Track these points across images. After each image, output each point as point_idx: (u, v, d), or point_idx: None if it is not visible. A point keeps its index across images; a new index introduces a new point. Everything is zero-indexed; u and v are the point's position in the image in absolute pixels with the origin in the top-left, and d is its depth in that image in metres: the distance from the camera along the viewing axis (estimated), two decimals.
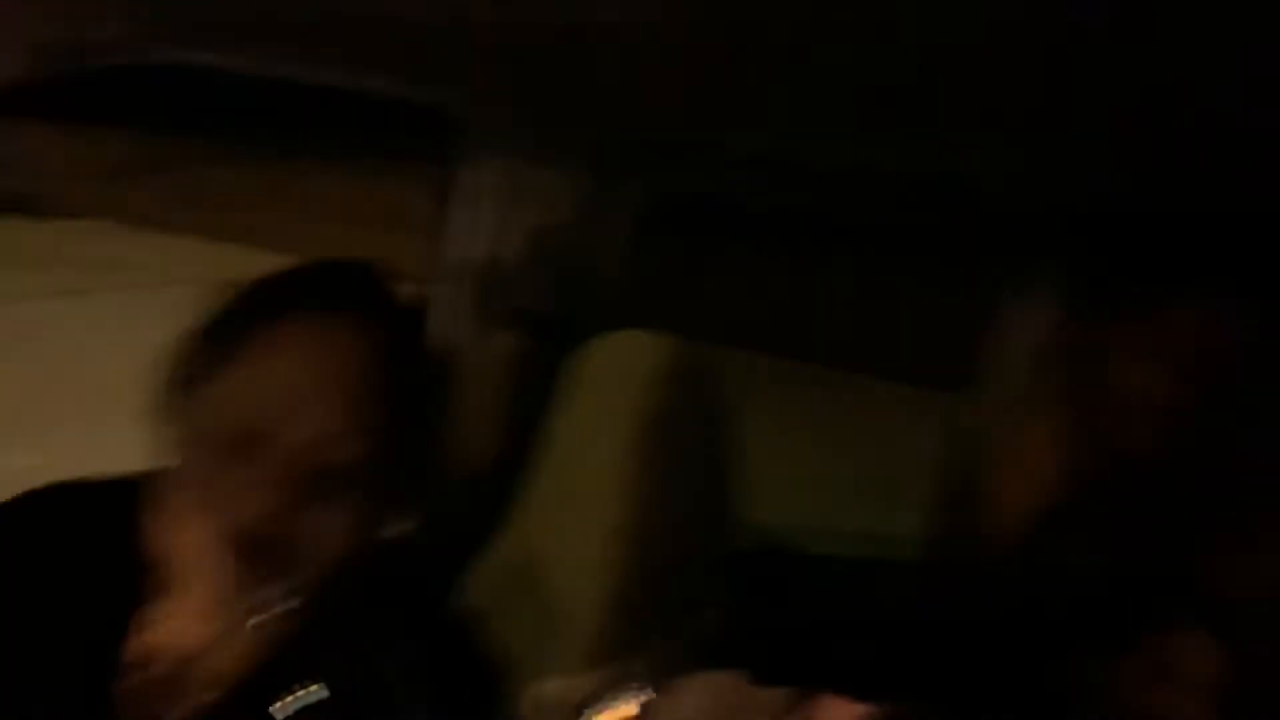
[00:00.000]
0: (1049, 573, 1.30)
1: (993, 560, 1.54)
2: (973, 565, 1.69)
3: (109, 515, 0.87)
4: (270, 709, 0.60)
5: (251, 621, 0.74)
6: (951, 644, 1.37)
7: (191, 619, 0.80)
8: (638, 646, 0.82)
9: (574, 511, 1.05)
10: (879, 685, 1.29)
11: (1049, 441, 1.32)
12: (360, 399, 0.82)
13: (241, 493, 0.79)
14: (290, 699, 0.60)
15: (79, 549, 0.87)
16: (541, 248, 1.34)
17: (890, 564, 1.87)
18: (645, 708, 0.67)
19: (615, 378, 1.06)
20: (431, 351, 0.95)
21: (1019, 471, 1.37)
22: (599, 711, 0.66)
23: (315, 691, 0.59)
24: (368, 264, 0.92)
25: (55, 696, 0.76)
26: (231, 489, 0.80)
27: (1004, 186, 1.35)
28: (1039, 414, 1.42)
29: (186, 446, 0.84)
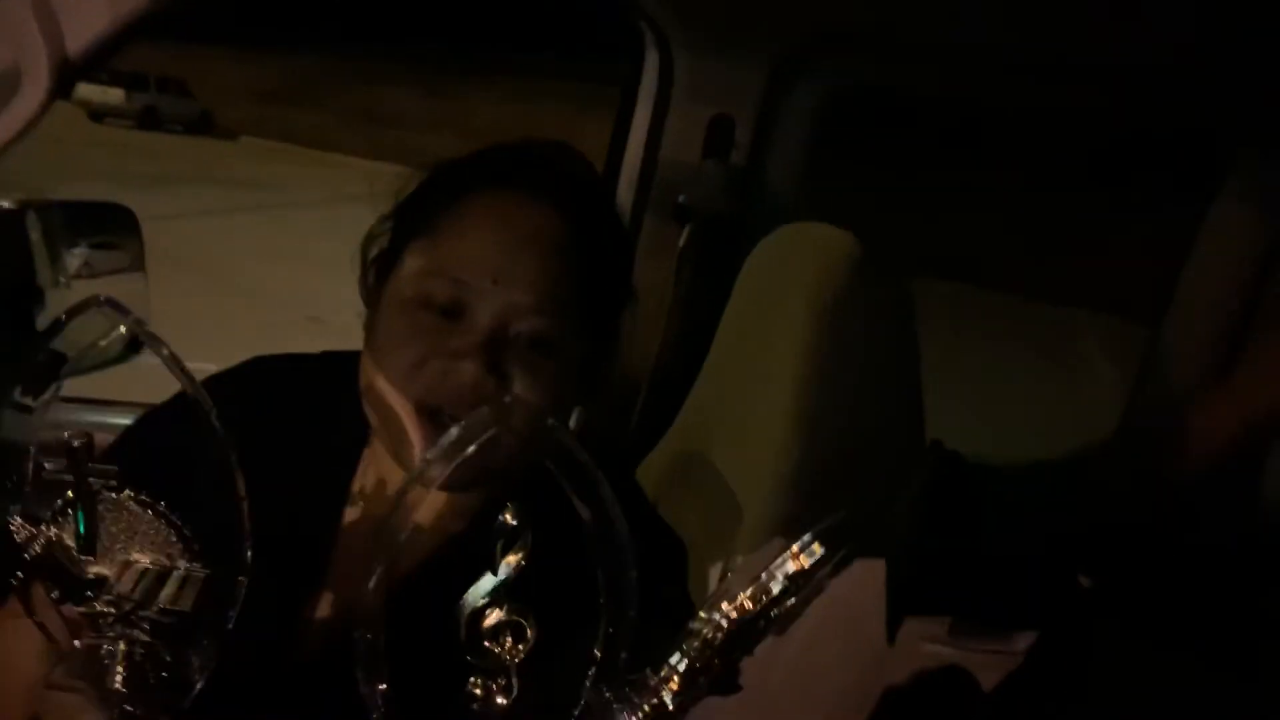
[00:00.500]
0: (1261, 504, 1.23)
1: (1190, 491, 1.47)
2: (1162, 496, 1.62)
3: (330, 379, 0.91)
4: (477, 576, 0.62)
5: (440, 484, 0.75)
6: (1140, 571, 1.32)
7: (397, 481, 0.85)
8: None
9: (751, 400, 1.05)
10: (1067, 605, 1.26)
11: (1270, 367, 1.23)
12: (551, 275, 0.83)
13: (435, 363, 0.81)
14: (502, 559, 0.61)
15: (306, 403, 0.92)
16: (719, 146, 1.33)
17: (1073, 492, 1.81)
18: (815, 565, 0.66)
19: (795, 267, 1.04)
20: (621, 236, 0.95)
21: (1233, 399, 1.29)
22: (774, 567, 0.65)
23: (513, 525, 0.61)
24: (563, 145, 0.91)
25: (291, 519, 0.80)
26: (426, 359, 0.81)
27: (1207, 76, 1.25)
28: (1257, 340, 1.33)
29: (386, 319, 0.85)
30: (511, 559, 0.61)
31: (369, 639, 0.61)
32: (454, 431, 0.63)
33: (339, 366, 0.90)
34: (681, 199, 1.34)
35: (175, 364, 0.65)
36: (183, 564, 0.64)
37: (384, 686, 0.61)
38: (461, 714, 0.63)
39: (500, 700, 0.62)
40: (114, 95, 19.64)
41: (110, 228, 1.55)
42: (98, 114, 19.16)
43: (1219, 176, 1.56)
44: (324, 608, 0.88)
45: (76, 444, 0.62)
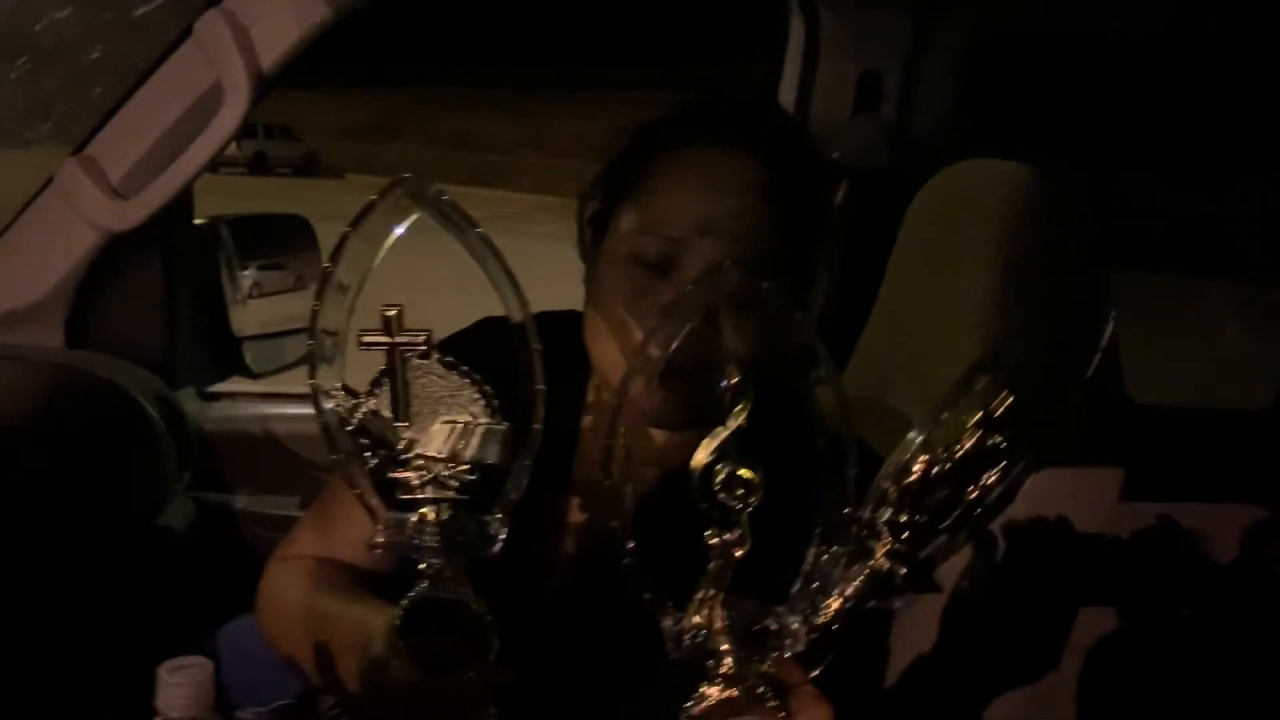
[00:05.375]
0: None
1: None
2: None
3: (548, 333, 0.95)
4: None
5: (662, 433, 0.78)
6: None
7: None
8: None
9: (933, 339, 1.06)
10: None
11: None
12: (756, 226, 0.84)
13: (649, 317, 0.83)
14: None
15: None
16: (868, 101, 1.35)
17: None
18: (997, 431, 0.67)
19: (975, 201, 1.06)
20: (823, 185, 0.95)
21: None
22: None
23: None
24: (763, 98, 0.92)
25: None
26: (641, 314, 0.84)
27: None
28: None
29: (603, 276, 0.88)
30: (739, 412, 0.62)
31: (617, 527, 0.65)
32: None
33: (554, 322, 0.94)
34: (835, 155, 1.36)
35: (488, 246, 0.67)
36: (485, 419, 0.67)
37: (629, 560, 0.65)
38: (699, 574, 0.65)
39: (736, 552, 0.64)
40: None
41: (289, 237, 1.64)
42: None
43: None
44: (574, 514, 0.95)
45: (391, 314, 0.65)
